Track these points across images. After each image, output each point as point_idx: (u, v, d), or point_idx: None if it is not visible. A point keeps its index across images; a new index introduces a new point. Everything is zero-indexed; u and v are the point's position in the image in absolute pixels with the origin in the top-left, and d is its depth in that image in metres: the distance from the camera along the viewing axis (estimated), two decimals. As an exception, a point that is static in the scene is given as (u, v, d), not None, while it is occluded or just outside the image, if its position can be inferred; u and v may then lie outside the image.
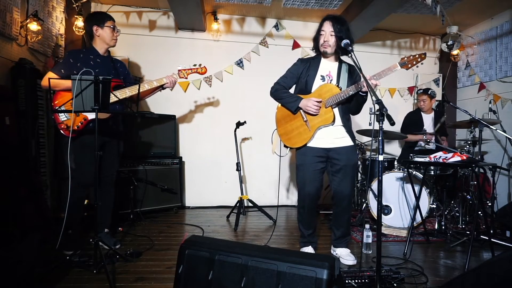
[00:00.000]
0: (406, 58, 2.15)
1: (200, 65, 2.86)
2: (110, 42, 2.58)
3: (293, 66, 2.50)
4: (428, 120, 3.90)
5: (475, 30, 4.42)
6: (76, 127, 2.39)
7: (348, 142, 2.39)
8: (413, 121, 3.94)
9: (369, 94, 1.98)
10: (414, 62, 2.13)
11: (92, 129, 2.28)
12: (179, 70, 2.75)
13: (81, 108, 2.11)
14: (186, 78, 2.81)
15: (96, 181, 2.25)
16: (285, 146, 2.51)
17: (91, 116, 2.40)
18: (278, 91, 2.46)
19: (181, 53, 4.22)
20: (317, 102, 2.29)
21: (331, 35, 2.29)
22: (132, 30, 4.12)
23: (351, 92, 2.22)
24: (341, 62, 2.44)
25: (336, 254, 2.52)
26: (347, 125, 2.39)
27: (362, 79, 2.02)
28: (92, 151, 2.22)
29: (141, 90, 2.47)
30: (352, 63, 2.18)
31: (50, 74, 2.40)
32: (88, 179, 2.38)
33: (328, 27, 2.29)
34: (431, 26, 4.44)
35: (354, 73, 2.43)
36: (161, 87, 2.70)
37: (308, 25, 4.44)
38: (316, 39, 2.40)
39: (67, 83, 2.31)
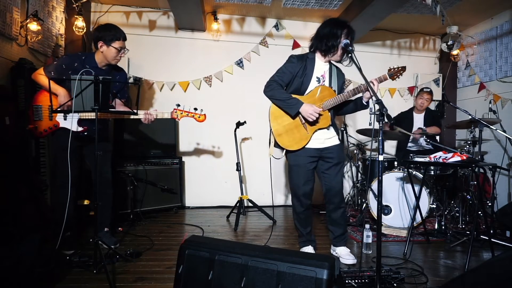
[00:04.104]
0: (392, 70, 2.25)
1: (201, 110, 2.65)
2: (112, 61, 2.51)
3: (290, 64, 2.40)
4: (419, 120, 3.94)
5: (475, 30, 4.42)
6: (43, 130, 2.42)
7: (337, 141, 2.49)
8: (403, 120, 3.98)
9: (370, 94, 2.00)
10: (398, 74, 2.25)
11: (66, 131, 2.29)
12: (174, 109, 2.59)
13: (81, 108, 2.12)
14: (179, 119, 2.61)
15: (97, 181, 2.25)
16: (280, 147, 2.43)
17: (63, 124, 2.43)
18: (275, 91, 2.35)
19: (181, 53, 4.23)
20: (319, 111, 2.31)
21: None
22: (132, 30, 4.11)
23: (347, 97, 2.30)
24: (330, 63, 2.48)
25: (336, 253, 2.53)
26: (335, 124, 2.50)
27: (359, 83, 2.08)
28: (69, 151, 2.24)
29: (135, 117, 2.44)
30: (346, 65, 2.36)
31: (41, 71, 2.42)
32: (72, 176, 2.32)
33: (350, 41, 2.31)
34: (431, 26, 4.43)
35: (341, 75, 2.52)
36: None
37: (308, 25, 4.44)
38: (327, 44, 2.31)
39: (53, 87, 2.34)
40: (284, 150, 2.44)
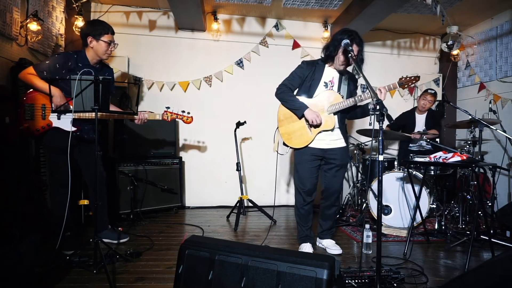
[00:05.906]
0: (404, 79, 2.32)
1: (188, 113, 2.83)
2: (103, 56, 2.51)
3: (299, 69, 2.55)
4: (421, 120, 3.94)
5: (475, 30, 4.42)
6: (36, 130, 2.40)
7: (343, 143, 2.58)
8: (406, 121, 3.99)
9: (370, 95, 2.01)
10: (410, 83, 2.32)
11: (59, 131, 2.32)
12: (165, 111, 2.75)
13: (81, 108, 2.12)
14: (169, 120, 2.79)
15: (96, 181, 2.26)
16: (285, 145, 2.60)
17: (56, 123, 2.42)
18: (284, 93, 2.53)
19: (181, 53, 4.23)
20: (321, 118, 2.44)
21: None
22: (132, 30, 4.12)
23: (352, 103, 2.39)
24: (342, 70, 2.53)
25: (322, 245, 2.68)
26: (342, 128, 2.58)
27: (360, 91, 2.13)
28: (61, 151, 2.26)
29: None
30: (354, 71, 2.45)
31: (31, 70, 2.35)
32: (67, 177, 2.29)
33: (355, 50, 2.34)
34: (431, 26, 4.43)
35: (353, 81, 2.60)
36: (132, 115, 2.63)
37: (308, 25, 4.44)
38: (329, 50, 2.43)
39: (44, 87, 2.32)
40: (289, 147, 2.60)
